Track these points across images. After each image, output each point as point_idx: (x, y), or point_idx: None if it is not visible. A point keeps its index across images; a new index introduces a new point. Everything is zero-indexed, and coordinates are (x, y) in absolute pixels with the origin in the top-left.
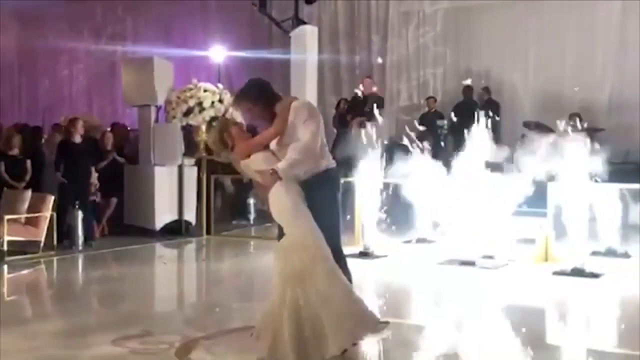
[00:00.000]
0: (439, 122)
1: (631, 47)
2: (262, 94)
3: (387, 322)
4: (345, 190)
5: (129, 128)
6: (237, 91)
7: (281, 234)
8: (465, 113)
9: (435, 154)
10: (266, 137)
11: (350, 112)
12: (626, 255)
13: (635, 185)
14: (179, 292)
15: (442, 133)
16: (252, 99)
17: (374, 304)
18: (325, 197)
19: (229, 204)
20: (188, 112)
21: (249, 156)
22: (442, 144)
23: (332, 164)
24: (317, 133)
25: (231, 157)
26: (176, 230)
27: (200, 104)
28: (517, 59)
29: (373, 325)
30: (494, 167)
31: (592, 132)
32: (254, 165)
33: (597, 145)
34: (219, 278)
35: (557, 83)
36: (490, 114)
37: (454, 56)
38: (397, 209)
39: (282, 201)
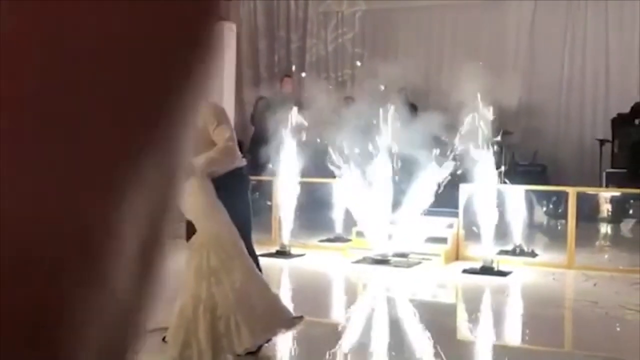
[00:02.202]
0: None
1: (540, 51)
2: None
3: (301, 317)
4: (262, 189)
5: None
6: None
7: (189, 231)
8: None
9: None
10: None
11: (270, 110)
12: (533, 254)
13: (542, 187)
14: None
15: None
16: None
17: (288, 302)
18: (236, 195)
19: None
20: None
21: None
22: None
23: (242, 162)
24: (233, 134)
25: None
26: None
27: None
28: (432, 61)
29: (288, 321)
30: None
31: (502, 135)
32: None
33: (506, 148)
34: None
35: (470, 85)
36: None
37: (371, 58)
38: (314, 208)
39: (196, 197)
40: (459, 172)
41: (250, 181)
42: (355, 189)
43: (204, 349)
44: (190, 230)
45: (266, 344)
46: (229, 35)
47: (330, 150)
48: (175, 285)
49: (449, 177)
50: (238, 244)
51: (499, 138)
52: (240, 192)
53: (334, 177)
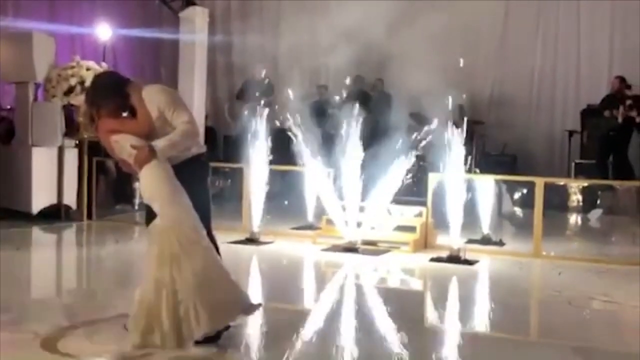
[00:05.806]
0: (330, 111)
1: (511, 45)
2: (108, 95)
3: (259, 304)
4: (234, 176)
5: (9, 107)
6: (86, 93)
7: (149, 217)
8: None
9: (324, 142)
10: (130, 129)
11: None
12: (500, 243)
13: (510, 177)
14: (56, 279)
15: (332, 121)
16: (99, 103)
17: (255, 289)
18: (196, 182)
19: (113, 188)
20: (69, 91)
21: (114, 132)
22: (332, 132)
23: (202, 148)
24: (192, 117)
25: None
26: (55, 215)
27: (82, 82)
28: (408, 52)
29: (246, 307)
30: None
31: (473, 125)
32: (125, 141)
33: (476, 137)
34: (99, 264)
35: (443, 75)
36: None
37: (347, 45)
38: (285, 196)
39: (158, 182)
40: (428, 160)
41: (210, 167)
42: (324, 177)
43: (167, 333)
44: (150, 215)
45: (225, 332)
46: (200, 20)
47: (300, 137)
48: (138, 272)
49: (418, 166)
50: (199, 229)
51: (469, 128)
52: (200, 178)
53: (306, 164)
